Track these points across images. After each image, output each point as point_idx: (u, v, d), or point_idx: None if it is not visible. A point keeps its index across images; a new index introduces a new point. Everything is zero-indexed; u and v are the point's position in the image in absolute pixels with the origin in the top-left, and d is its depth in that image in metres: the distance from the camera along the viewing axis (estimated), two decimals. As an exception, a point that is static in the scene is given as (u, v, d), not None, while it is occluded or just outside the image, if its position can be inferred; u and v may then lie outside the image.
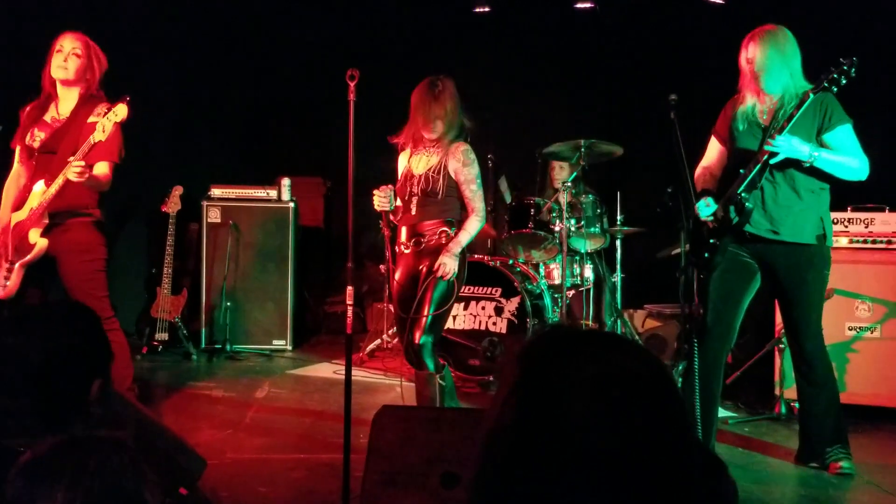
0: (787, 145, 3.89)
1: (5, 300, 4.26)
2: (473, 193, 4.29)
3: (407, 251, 4.34)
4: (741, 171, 4.07)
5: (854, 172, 4.00)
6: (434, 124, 4.27)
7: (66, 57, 4.37)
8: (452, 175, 4.26)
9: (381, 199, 4.26)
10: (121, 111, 4.14)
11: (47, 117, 4.44)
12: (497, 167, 6.97)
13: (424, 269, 4.26)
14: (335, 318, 7.95)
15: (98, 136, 4.12)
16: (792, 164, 3.98)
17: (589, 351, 1.13)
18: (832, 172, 3.99)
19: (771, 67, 3.98)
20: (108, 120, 4.12)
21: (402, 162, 4.50)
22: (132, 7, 7.20)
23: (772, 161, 3.96)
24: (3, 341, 1.95)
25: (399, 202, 4.38)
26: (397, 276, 4.41)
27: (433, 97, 4.24)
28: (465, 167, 4.25)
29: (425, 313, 4.16)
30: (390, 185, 4.34)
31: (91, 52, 4.44)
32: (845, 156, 3.97)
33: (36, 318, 2.09)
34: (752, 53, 4.02)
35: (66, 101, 4.45)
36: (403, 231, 4.36)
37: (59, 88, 4.44)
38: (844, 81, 3.83)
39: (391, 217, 4.39)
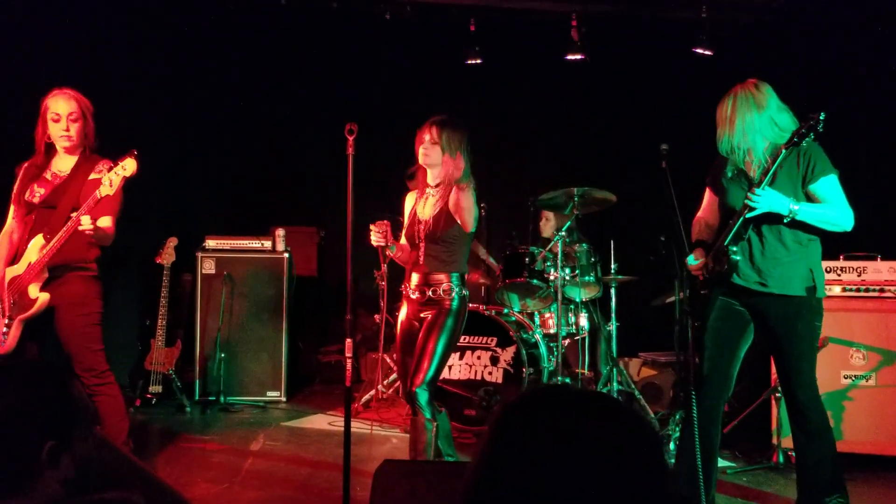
0: (766, 200, 3.89)
1: (3, 355, 4.23)
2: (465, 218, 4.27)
3: (414, 297, 4.36)
4: (730, 222, 4.10)
5: (836, 226, 3.97)
6: (428, 169, 4.36)
7: (67, 126, 4.33)
8: (454, 216, 4.25)
9: (378, 236, 4.28)
10: (129, 166, 4.12)
11: (47, 174, 4.41)
12: (489, 216, 7.02)
13: (428, 318, 4.28)
14: (329, 367, 7.93)
15: (105, 189, 4.10)
16: (774, 217, 3.95)
17: (565, 413, 1.14)
18: (814, 225, 3.97)
19: (750, 122, 4.00)
20: (116, 175, 4.10)
21: (409, 202, 4.53)
22: (127, 59, 7.28)
23: (750, 214, 3.94)
24: None
25: (403, 240, 4.44)
26: (401, 317, 4.44)
27: (422, 134, 4.33)
28: (462, 208, 4.24)
29: (424, 366, 4.17)
30: (387, 221, 4.36)
31: (83, 107, 4.39)
32: (827, 209, 3.94)
33: None
34: (732, 109, 4.06)
35: (66, 159, 4.43)
36: (414, 277, 4.37)
37: (60, 149, 4.42)
38: (812, 136, 3.85)
39: (388, 253, 4.39)
